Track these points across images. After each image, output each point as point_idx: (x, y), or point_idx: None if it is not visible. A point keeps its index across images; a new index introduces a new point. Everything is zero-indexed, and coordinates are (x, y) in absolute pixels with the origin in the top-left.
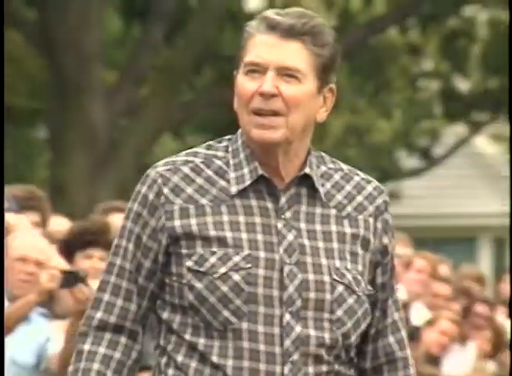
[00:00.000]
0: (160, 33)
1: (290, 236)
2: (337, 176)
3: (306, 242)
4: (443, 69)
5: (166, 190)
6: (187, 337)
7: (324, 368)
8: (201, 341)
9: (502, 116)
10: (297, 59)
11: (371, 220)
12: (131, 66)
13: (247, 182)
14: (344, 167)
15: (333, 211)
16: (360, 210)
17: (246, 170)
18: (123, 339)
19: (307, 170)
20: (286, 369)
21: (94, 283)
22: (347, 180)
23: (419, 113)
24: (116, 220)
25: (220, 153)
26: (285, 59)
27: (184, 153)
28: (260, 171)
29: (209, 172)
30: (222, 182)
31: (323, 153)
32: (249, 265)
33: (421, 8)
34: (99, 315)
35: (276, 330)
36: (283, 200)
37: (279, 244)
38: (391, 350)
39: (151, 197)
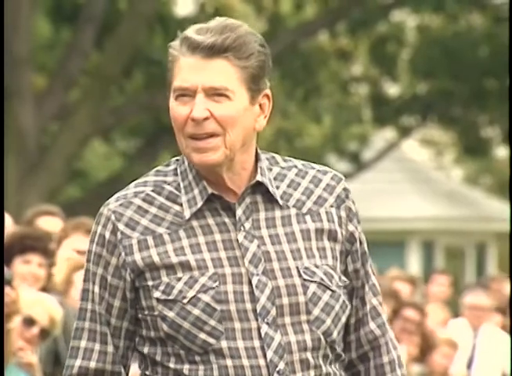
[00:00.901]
0: (89, 37)
1: (253, 246)
2: (291, 174)
3: (270, 248)
4: (372, 74)
5: (121, 226)
6: (171, 365)
7: (312, 373)
8: (186, 367)
9: (430, 121)
10: (223, 78)
11: (333, 210)
12: (60, 70)
13: (199, 204)
14: (298, 163)
15: (293, 211)
16: (320, 203)
17: (196, 191)
18: None
19: (258, 177)
20: None
21: (28, 289)
22: (303, 176)
23: (348, 118)
24: (44, 224)
25: (169, 178)
26: (211, 79)
27: (133, 184)
28: (209, 190)
29: (161, 199)
30: (176, 207)
31: (274, 154)
32: (216, 284)
33: (351, 13)
34: (77, 362)
35: (257, 343)
36: (239, 211)
37: (243, 257)
38: (373, 336)
39: (107, 235)
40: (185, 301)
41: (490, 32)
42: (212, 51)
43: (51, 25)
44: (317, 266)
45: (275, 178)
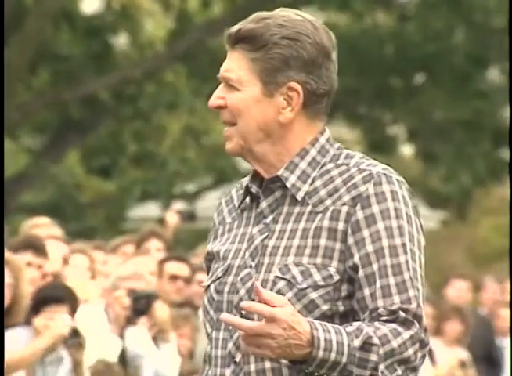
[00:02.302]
0: None
1: (258, 240)
2: (335, 172)
3: (271, 243)
4: None
5: (215, 215)
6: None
7: (267, 365)
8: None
9: (336, 118)
10: (232, 68)
11: (344, 209)
12: None
13: (241, 197)
14: (354, 161)
15: (309, 208)
16: (335, 201)
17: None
18: None
19: (279, 172)
20: (229, 371)
21: None
22: (342, 174)
23: None
24: None
25: None
26: (224, 69)
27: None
28: (244, 183)
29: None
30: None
31: (346, 150)
32: (221, 275)
33: (258, 9)
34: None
35: (224, 335)
36: (263, 205)
37: (248, 249)
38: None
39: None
40: (204, 289)
41: (395, 30)
42: (230, 42)
43: None
44: (298, 264)
45: (320, 174)
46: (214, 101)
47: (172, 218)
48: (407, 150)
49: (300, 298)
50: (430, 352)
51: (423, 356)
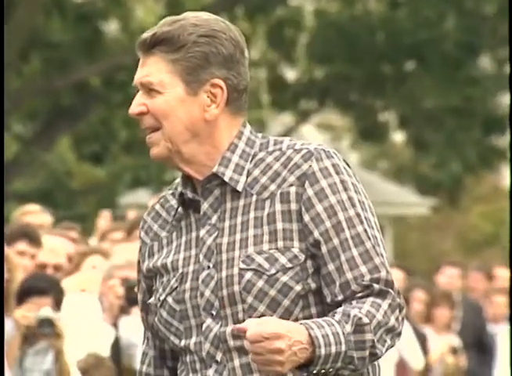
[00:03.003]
0: None
1: (209, 240)
2: (270, 158)
3: (225, 239)
4: (270, 58)
5: (142, 233)
6: (169, 364)
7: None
8: (177, 365)
9: (327, 105)
10: (150, 73)
11: (293, 189)
12: None
13: (176, 204)
14: (285, 145)
15: (254, 198)
16: (280, 184)
17: (179, 189)
18: None
19: (214, 169)
20: (211, 371)
21: None
22: (278, 158)
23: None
24: None
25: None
26: (141, 75)
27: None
28: (179, 189)
29: (172, 202)
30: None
31: (272, 138)
32: (177, 284)
33: None
34: (139, 367)
35: (199, 339)
36: (204, 206)
37: (201, 252)
38: (354, 294)
39: (139, 243)
40: (159, 304)
41: (386, 17)
42: (145, 47)
43: None
44: (260, 252)
45: (254, 164)
46: (134, 108)
47: None
48: (398, 136)
49: (272, 284)
50: (423, 340)
51: (403, 319)
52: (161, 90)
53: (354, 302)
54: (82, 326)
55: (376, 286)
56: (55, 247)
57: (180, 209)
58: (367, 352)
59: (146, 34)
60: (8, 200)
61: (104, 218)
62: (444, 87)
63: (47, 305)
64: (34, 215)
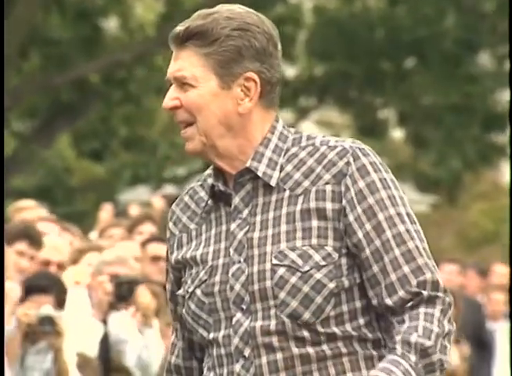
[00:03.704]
0: None
1: (240, 234)
2: (303, 154)
3: (256, 234)
4: None
5: (170, 224)
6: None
7: (279, 355)
8: (206, 358)
9: (327, 102)
10: (184, 67)
11: (329, 187)
12: None
13: (206, 197)
14: (318, 140)
15: (287, 193)
16: (315, 181)
17: (210, 182)
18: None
19: (248, 163)
20: (238, 366)
21: None
22: (312, 154)
23: None
24: None
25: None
26: (175, 69)
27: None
28: (210, 182)
29: (201, 194)
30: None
31: (305, 133)
32: (206, 277)
33: None
34: (168, 358)
35: (230, 331)
36: (235, 200)
37: (231, 246)
38: (402, 302)
39: (167, 234)
40: (187, 296)
41: (386, 14)
42: (178, 41)
43: None
44: (294, 249)
45: (287, 159)
46: (168, 102)
47: (158, 203)
48: (397, 134)
49: (306, 280)
50: None
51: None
52: (195, 84)
53: (407, 318)
54: (72, 321)
55: (424, 293)
56: (59, 245)
57: (210, 201)
58: (438, 372)
59: (180, 28)
60: (7, 197)
61: (106, 211)
62: (443, 84)
63: (48, 303)
64: (29, 210)
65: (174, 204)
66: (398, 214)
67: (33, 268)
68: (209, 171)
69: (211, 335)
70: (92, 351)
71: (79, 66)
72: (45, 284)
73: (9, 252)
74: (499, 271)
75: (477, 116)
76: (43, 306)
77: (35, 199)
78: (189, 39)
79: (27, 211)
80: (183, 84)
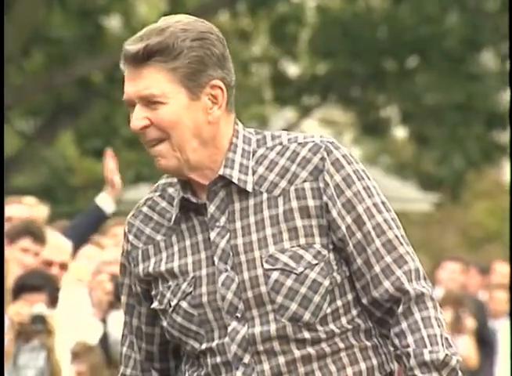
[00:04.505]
0: None
1: (223, 242)
2: (272, 154)
3: (240, 240)
4: (273, 54)
5: (131, 237)
6: (186, 366)
7: (281, 359)
8: (187, 367)
9: (329, 101)
10: (151, 85)
11: (307, 185)
12: None
13: (177, 208)
14: (285, 138)
15: (265, 196)
16: (292, 180)
17: (171, 192)
18: None
19: (220, 171)
20: (239, 373)
21: None
22: (283, 153)
23: (249, 99)
24: None
25: (175, 179)
26: (139, 89)
27: (154, 186)
28: (181, 194)
29: (163, 204)
30: (173, 210)
31: (267, 133)
32: (191, 289)
33: None
34: (121, 369)
35: (226, 340)
36: (211, 209)
37: (215, 255)
38: (388, 295)
39: (124, 246)
40: (170, 309)
41: (389, 13)
42: (138, 59)
43: None
44: (283, 251)
45: (256, 162)
46: (137, 123)
47: None
48: (400, 132)
49: (302, 281)
50: None
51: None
52: (164, 100)
53: (406, 329)
54: (72, 320)
55: (411, 291)
56: (61, 245)
57: (178, 212)
58: (458, 370)
59: (135, 46)
60: (9, 196)
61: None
62: (446, 83)
63: (40, 302)
64: (30, 208)
65: (130, 216)
66: (375, 204)
67: (38, 264)
68: (165, 180)
69: (204, 346)
70: (94, 341)
71: (82, 65)
72: (38, 283)
73: (14, 249)
74: (501, 269)
75: (479, 115)
76: (35, 305)
77: (37, 198)
78: (150, 57)
79: (27, 208)
80: (151, 102)
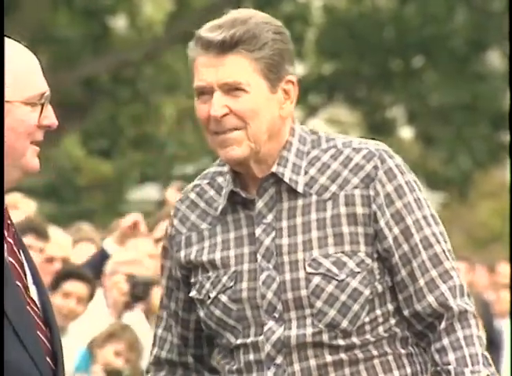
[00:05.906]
0: None
1: (268, 240)
2: (325, 157)
3: (285, 241)
4: None
5: (175, 221)
6: (218, 356)
7: (312, 362)
8: (225, 361)
9: (336, 100)
10: (236, 72)
11: (357, 192)
12: None
13: (225, 200)
14: (340, 142)
15: (314, 198)
16: (343, 185)
17: (220, 181)
18: (178, 372)
19: (274, 169)
20: (270, 373)
21: None
22: (336, 157)
23: None
24: None
25: (225, 168)
26: (224, 75)
27: (203, 173)
28: (230, 187)
29: (211, 193)
30: (220, 200)
31: (322, 134)
32: (232, 283)
33: None
34: (154, 351)
35: (261, 338)
36: (259, 204)
37: (258, 252)
38: (431, 310)
39: (169, 230)
40: (208, 301)
41: (395, 13)
42: (224, 47)
43: None
44: (327, 256)
45: (309, 163)
46: (219, 110)
47: (173, 197)
48: (406, 132)
49: (343, 289)
50: None
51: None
52: (248, 89)
53: (448, 346)
54: (87, 320)
55: (455, 308)
56: (62, 240)
57: (226, 203)
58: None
59: (218, 35)
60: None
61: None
62: (452, 83)
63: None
64: (15, 205)
65: (178, 201)
66: (424, 217)
67: (42, 260)
68: (215, 168)
69: (239, 341)
70: None
71: (87, 65)
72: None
73: None
74: (503, 270)
75: (485, 114)
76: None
77: (43, 198)
78: (237, 45)
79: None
80: (233, 89)
